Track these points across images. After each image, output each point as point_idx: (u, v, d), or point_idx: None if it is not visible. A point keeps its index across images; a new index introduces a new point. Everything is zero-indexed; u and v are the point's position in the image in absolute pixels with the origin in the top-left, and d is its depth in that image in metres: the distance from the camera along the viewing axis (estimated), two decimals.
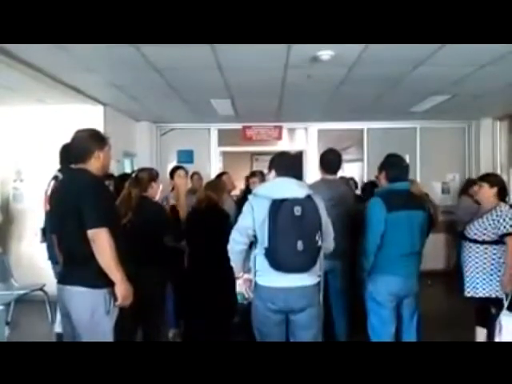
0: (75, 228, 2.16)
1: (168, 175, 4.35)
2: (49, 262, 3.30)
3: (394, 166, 2.89)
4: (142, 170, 3.33)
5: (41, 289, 4.25)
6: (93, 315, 2.17)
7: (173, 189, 4.08)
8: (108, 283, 2.17)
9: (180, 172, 4.12)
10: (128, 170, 5.64)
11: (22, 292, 4.17)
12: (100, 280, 2.16)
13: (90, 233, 2.11)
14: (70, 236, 2.22)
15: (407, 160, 3.45)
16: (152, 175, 3.18)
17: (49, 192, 3.13)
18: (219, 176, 5.05)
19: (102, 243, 2.11)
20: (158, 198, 3.28)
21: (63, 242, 2.32)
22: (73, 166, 2.33)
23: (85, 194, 2.18)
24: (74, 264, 2.23)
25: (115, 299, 2.20)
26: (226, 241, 2.42)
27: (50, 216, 2.49)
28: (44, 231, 3.47)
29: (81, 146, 2.30)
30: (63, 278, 2.28)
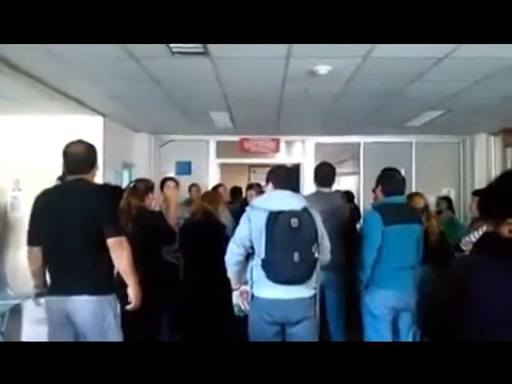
0: (85, 237, 2.21)
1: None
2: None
3: (390, 179, 2.93)
4: (139, 180, 3.37)
5: None
6: (104, 321, 2.23)
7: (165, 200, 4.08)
8: (112, 289, 2.27)
9: (169, 183, 4.11)
10: (126, 181, 5.65)
11: (16, 302, 4.14)
12: (107, 287, 2.26)
13: (112, 241, 2.20)
14: (77, 245, 2.23)
15: (403, 174, 3.49)
16: (148, 186, 3.23)
17: None
18: (215, 188, 5.08)
19: (123, 250, 2.23)
20: (153, 208, 3.30)
21: (63, 252, 2.28)
22: (72, 176, 2.34)
23: (104, 203, 2.28)
24: (80, 273, 2.23)
25: (125, 304, 2.31)
26: (223, 252, 2.44)
27: (40, 226, 2.34)
28: None
29: (85, 157, 2.35)
30: (65, 289, 2.25)
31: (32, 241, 2.37)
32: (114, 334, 2.26)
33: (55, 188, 2.47)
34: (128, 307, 2.31)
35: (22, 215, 5.12)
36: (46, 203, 2.37)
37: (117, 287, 2.32)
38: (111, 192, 2.41)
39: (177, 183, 4.18)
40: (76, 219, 2.22)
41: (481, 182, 6.15)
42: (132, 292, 2.30)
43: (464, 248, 3.02)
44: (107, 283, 2.27)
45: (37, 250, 2.36)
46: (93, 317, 2.21)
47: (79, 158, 2.35)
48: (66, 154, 2.37)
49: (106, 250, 2.22)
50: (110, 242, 2.20)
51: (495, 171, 6.37)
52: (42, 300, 2.44)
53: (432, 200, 6.75)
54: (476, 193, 3.16)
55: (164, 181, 4.23)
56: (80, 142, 2.40)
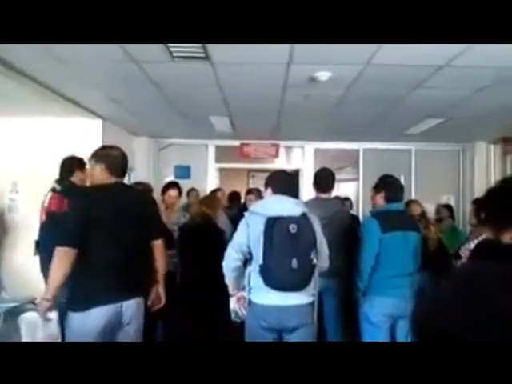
0: (138, 239, 2.25)
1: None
2: (41, 275, 3.26)
3: (388, 186, 2.92)
4: (138, 184, 3.36)
5: (32, 302, 4.19)
6: (140, 322, 2.31)
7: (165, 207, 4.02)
8: (145, 290, 2.38)
9: (171, 192, 4.00)
10: None
11: (12, 305, 4.11)
12: (144, 288, 2.35)
13: (159, 242, 2.37)
14: (130, 248, 2.20)
15: (402, 181, 3.48)
16: (148, 190, 3.22)
17: (46, 203, 3.11)
18: (214, 192, 5.06)
19: (163, 250, 2.39)
20: None
21: (116, 255, 2.15)
22: (114, 179, 2.29)
23: (154, 206, 2.44)
24: (131, 276, 2.20)
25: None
26: (221, 257, 2.43)
27: (91, 228, 2.14)
28: (38, 244, 3.43)
29: (127, 162, 2.39)
30: (117, 295, 2.15)
31: (76, 242, 2.09)
32: (141, 336, 2.32)
33: (102, 189, 2.28)
34: (159, 306, 2.43)
35: (20, 217, 5.11)
36: (96, 204, 2.19)
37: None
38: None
39: (180, 191, 4.10)
40: (130, 221, 2.23)
41: (480, 190, 6.12)
42: (163, 290, 2.43)
43: (462, 255, 3.02)
44: (145, 284, 2.35)
45: (74, 252, 2.09)
46: (137, 318, 2.27)
47: (125, 161, 2.37)
48: (111, 156, 2.31)
49: (147, 251, 2.32)
50: (158, 243, 2.35)
51: (495, 179, 6.37)
52: (53, 315, 2.34)
53: (431, 208, 6.75)
54: (476, 201, 3.15)
55: (166, 187, 4.12)
56: (116, 147, 2.41)
